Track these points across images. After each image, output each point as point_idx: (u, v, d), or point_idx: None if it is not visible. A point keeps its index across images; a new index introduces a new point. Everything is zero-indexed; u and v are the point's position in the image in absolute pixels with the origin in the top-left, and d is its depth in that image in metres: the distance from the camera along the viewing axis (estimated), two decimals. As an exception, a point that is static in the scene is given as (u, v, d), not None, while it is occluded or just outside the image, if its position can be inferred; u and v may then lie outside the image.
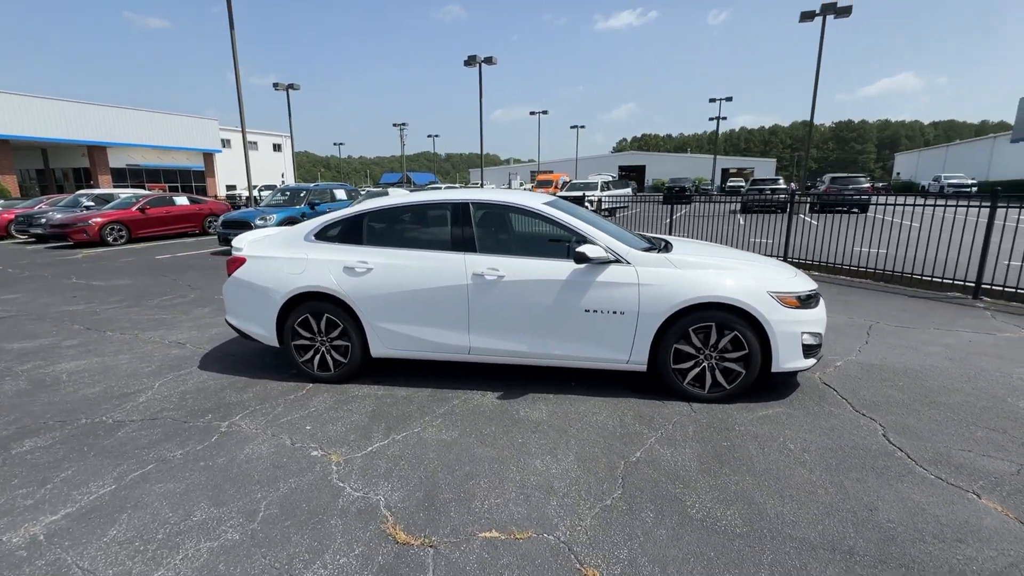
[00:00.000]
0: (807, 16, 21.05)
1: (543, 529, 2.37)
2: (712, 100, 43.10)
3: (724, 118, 49.87)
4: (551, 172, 48.10)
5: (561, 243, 3.79)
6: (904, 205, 7.04)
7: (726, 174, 60.37)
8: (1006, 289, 6.35)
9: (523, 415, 3.52)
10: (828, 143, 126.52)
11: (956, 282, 6.82)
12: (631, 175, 61.53)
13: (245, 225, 11.57)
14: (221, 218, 12.71)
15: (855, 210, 16.02)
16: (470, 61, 28.01)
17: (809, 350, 3.56)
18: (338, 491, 2.68)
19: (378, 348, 4.00)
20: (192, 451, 3.10)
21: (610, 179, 24.02)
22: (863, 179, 23.09)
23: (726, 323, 3.48)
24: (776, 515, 2.43)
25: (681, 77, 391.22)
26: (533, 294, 3.69)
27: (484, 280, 3.73)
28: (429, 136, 69.20)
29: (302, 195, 13.15)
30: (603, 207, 18.47)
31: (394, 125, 62.48)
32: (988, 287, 6.51)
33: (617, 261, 3.62)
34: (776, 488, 2.64)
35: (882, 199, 8.39)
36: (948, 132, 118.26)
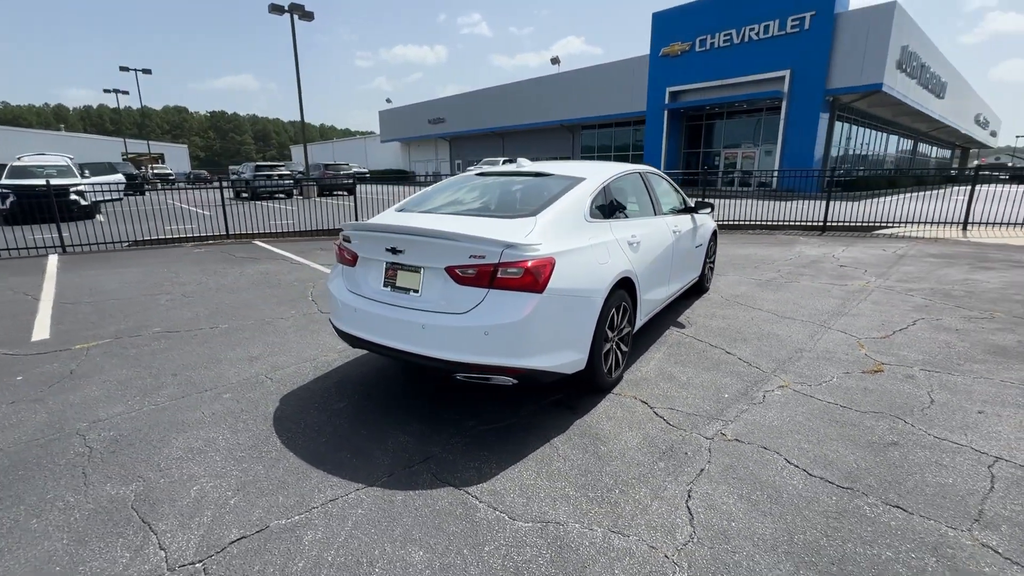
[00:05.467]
0: (276, 9, 21.96)
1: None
2: (123, 69, 34.81)
3: (127, 92, 41.85)
4: None
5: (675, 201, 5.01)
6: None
7: (135, 160, 51.48)
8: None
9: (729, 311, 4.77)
10: (209, 132, 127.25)
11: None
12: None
13: None
14: None
15: (344, 192, 24.28)
16: None
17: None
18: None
19: (638, 324, 3.84)
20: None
21: (68, 161, 16.63)
22: (353, 166, 29.51)
23: (712, 239, 5.99)
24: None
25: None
26: (688, 240, 4.80)
27: (676, 235, 4.45)
28: None
29: None
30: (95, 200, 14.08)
31: None
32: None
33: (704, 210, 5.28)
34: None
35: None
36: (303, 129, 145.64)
